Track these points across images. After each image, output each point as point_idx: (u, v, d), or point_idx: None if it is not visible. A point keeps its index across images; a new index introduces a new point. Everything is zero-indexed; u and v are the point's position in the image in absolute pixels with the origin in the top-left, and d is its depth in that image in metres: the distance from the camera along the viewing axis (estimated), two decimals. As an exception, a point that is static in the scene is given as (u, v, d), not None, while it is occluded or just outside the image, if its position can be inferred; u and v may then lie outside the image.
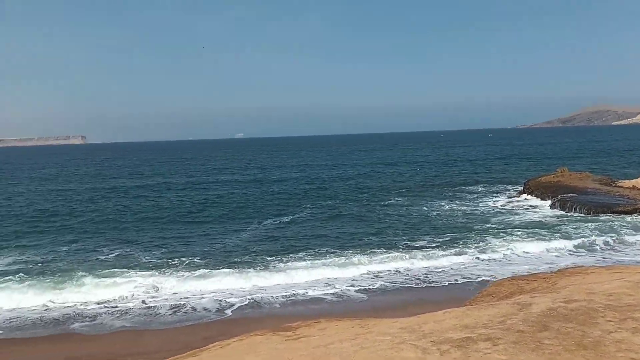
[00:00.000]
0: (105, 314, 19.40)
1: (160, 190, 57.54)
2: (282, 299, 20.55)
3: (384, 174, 69.84)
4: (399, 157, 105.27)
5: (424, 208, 39.66)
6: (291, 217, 37.48)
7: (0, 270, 24.99)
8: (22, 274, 23.82)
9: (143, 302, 20.52)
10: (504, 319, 6.38)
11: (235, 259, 25.75)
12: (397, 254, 25.96)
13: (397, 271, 23.70)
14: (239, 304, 20.10)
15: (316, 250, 27.16)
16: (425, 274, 23.29)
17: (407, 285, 21.97)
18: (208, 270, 23.84)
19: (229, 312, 19.42)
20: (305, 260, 25.35)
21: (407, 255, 25.61)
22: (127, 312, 19.48)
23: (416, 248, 27.22)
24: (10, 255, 27.91)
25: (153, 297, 20.97)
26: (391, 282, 22.34)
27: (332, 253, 26.50)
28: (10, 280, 22.99)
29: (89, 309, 19.86)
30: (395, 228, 32.44)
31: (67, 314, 19.42)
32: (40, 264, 25.92)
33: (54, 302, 20.53)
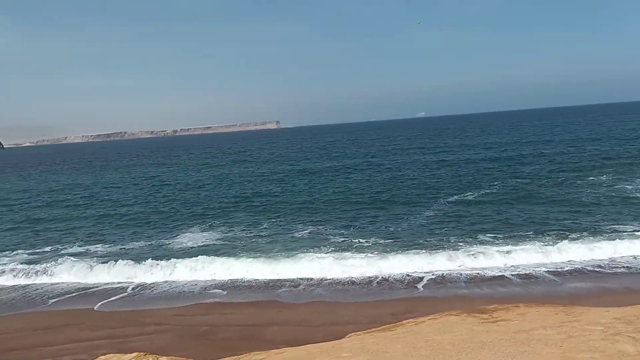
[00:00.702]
0: (304, 285, 20.93)
1: (347, 171, 59.68)
2: (468, 280, 20.12)
3: (585, 150, 63.13)
4: (605, 132, 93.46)
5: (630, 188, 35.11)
6: (477, 197, 36.12)
7: (215, 242, 28.47)
8: (231, 248, 26.88)
9: (336, 278, 21.70)
10: None
11: (421, 240, 25.73)
12: (594, 237, 23.57)
13: (592, 257, 21.54)
14: (424, 284, 20.16)
15: (504, 232, 25.90)
16: (630, 261, 20.77)
17: (606, 271, 19.88)
18: (394, 251, 24.22)
19: (414, 291, 19.57)
20: (490, 244, 24.32)
21: (606, 239, 23.05)
22: (320, 286, 20.77)
23: (618, 232, 24.38)
24: (220, 230, 31.57)
25: (340, 273, 21.98)
26: (587, 266, 20.42)
27: (519, 236, 25.05)
28: (224, 254, 25.98)
29: (287, 281, 21.58)
30: (596, 211, 29.33)
31: (271, 284, 21.39)
32: (243, 239, 28.90)
33: (260, 273, 22.78)
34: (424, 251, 23.77)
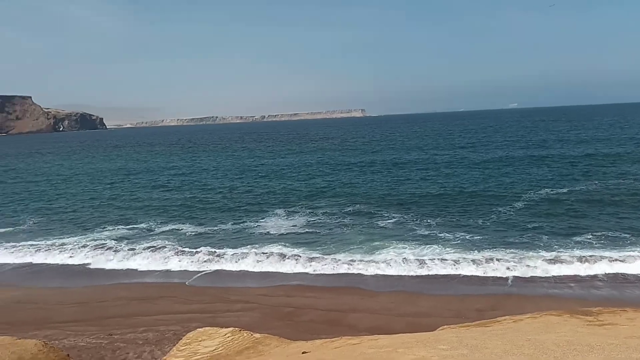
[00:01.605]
0: (385, 275, 20.86)
1: (434, 162, 58.51)
2: (558, 280, 19.22)
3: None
4: None
5: None
6: (572, 194, 34.07)
7: (299, 230, 29.01)
8: (314, 234, 27.34)
9: (417, 270, 21.44)
10: None
11: (509, 237, 24.84)
12: None
13: None
14: (511, 280, 19.50)
15: (600, 233, 24.40)
16: None
17: None
18: (480, 246, 23.57)
19: (501, 287, 18.97)
20: (585, 245, 22.97)
21: None
22: (402, 276, 20.60)
23: None
24: (304, 216, 32.13)
25: (423, 266, 21.65)
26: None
27: (616, 238, 23.54)
28: (308, 239, 26.41)
29: (369, 269, 21.57)
30: None
31: (353, 272, 21.49)
32: (327, 226, 29.23)
33: (342, 260, 22.95)
34: (512, 248, 22.91)
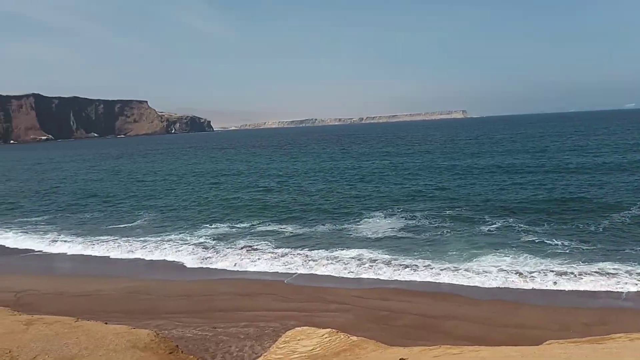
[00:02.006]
0: (484, 282, 20.11)
1: (541, 166, 55.59)
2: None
3: None
4: None
5: None
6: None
7: (396, 233, 28.79)
8: (413, 238, 27.08)
9: (520, 279, 20.44)
10: None
11: (625, 246, 23.01)
12: None
13: None
14: (625, 295, 18.03)
15: None
16: None
17: None
18: (590, 255, 22.14)
19: (613, 301, 17.67)
20: None
21: None
22: (504, 284, 19.75)
23: None
24: (402, 218, 31.80)
25: (526, 274, 20.60)
26: None
27: None
28: (404, 244, 26.15)
29: (468, 276, 20.87)
30: None
31: (449, 279, 20.95)
32: (426, 230, 28.78)
33: (438, 267, 22.46)
34: (627, 260, 21.18)
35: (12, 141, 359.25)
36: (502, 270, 21.08)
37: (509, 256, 22.65)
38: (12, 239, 32.27)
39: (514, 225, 28.36)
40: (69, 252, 28.53)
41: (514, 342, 11.57)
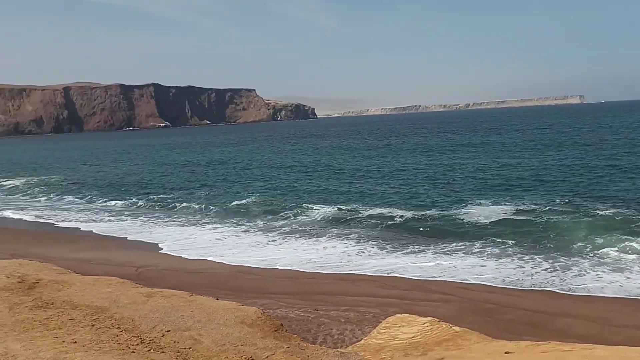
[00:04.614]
0: (604, 276, 18.77)
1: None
2: None
3: None
4: None
5: None
6: None
7: (509, 217, 27.68)
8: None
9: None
10: None
11: None
12: None
13: None
14: None
15: None
16: None
17: None
18: None
19: None
20: None
21: None
22: (625, 282, 18.30)
23: None
24: (510, 205, 30.55)
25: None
26: None
27: None
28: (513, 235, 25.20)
29: (584, 270, 19.62)
30: None
31: (562, 272, 19.81)
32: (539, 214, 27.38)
33: (554, 257, 21.34)
34: None
35: (130, 128, 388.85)
36: (628, 262, 19.68)
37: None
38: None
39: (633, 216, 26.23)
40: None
41: (634, 344, 10.72)
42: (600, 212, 27.02)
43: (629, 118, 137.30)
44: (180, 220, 34.09)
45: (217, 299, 10.84)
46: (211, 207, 36.71)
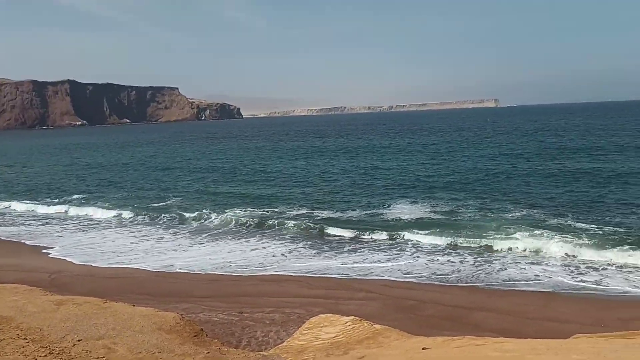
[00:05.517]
0: (515, 271, 19.79)
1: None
2: None
3: None
4: None
5: None
6: None
7: (426, 215, 28.57)
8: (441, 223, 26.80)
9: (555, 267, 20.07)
10: None
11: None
12: None
13: None
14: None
15: None
16: None
17: None
18: (626, 243, 21.46)
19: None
20: None
21: None
22: (535, 274, 19.39)
23: None
24: (426, 205, 31.60)
25: (574, 266, 20.24)
26: None
27: None
28: (432, 231, 26.03)
29: (501, 266, 20.60)
30: None
31: (480, 266, 20.68)
32: (453, 214, 28.49)
33: (470, 252, 22.24)
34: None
35: (44, 127, 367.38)
36: (536, 261, 20.83)
37: (538, 238, 22.37)
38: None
39: (541, 211, 28.06)
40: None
41: (544, 336, 11.30)
42: (513, 211, 28.54)
43: (541, 122, 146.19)
44: (96, 223, 32.63)
45: (134, 305, 10.35)
46: (129, 210, 35.28)
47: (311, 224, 28.54)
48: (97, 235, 29.20)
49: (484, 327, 14.96)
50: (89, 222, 33.11)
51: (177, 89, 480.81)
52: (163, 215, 33.33)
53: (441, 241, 24.06)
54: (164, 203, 37.53)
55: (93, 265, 23.22)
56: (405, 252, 23.08)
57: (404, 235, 25.22)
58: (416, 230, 25.70)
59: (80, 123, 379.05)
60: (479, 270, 20.35)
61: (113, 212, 35.03)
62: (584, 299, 17.00)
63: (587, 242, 22.17)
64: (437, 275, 20.01)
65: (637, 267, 19.43)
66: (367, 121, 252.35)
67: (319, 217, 30.31)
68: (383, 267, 21.35)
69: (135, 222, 32.23)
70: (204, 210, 33.37)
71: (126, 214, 34.17)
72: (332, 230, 26.98)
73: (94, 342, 8.26)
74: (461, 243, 23.65)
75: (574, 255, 21.07)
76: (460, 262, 21.45)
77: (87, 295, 12.52)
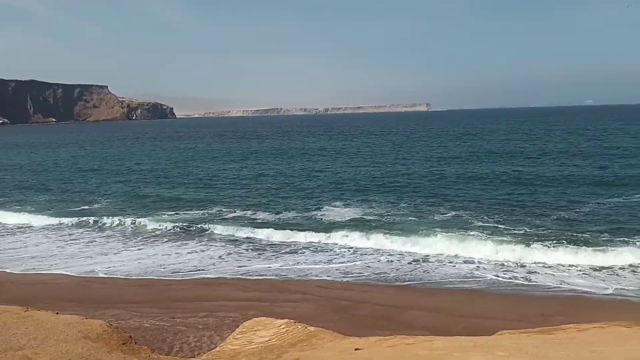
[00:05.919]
0: (444, 270, 20.42)
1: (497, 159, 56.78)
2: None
3: None
4: None
5: None
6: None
7: (359, 217, 28.96)
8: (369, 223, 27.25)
9: (481, 267, 20.88)
10: None
11: (579, 234, 23.81)
12: None
13: None
14: (581, 285, 18.51)
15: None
16: None
17: None
18: (545, 242, 22.70)
19: (569, 291, 18.10)
20: None
21: None
22: (467, 274, 20.11)
23: None
24: (360, 207, 32.08)
25: (501, 264, 21.14)
26: None
27: None
28: (367, 232, 26.40)
29: (432, 265, 21.19)
30: None
31: (413, 265, 21.17)
32: (384, 216, 29.09)
33: (405, 252, 22.75)
34: (584, 246, 21.93)
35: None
36: (467, 259, 21.65)
37: (470, 245, 23.17)
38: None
39: (468, 212, 29.15)
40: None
41: (471, 333, 11.74)
42: (444, 212, 29.58)
43: (471, 126, 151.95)
44: (16, 227, 30.85)
45: (57, 313, 9.86)
46: (54, 213, 33.64)
47: (248, 226, 28.27)
48: (18, 240, 27.61)
49: (416, 325, 15.33)
50: (2, 228, 31.12)
51: (107, 87, 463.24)
52: (89, 218, 31.94)
53: (376, 242, 24.44)
54: (92, 206, 36.04)
55: (13, 271, 21.94)
56: (344, 253, 23.33)
57: (340, 237, 25.44)
58: (353, 231, 25.98)
59: (1, 122, 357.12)
60: (417, 269, 20.90)
61: (34, 216, 33.18)
62: (509, 295, 17.78)
63: (514, 241, 23.30)
64: (376, 274, 20.37)
65: (561, 264, 20.57)
66: (303, 123, 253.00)
67: (255, 219, 30.16)
68: (322, 268, 21.47)
69: (61, 227, 30.71)
70: (135, 213, 32.32)
71: (48, 219, 32.44)
72: (269, 232, 26.79)
73: (14, 353, 7.81)
74: (397, 244, 24.12)
75: (503, 254, 21.99)
76: (398, 261, 21.97)
77: (7, 304, 11.79)
